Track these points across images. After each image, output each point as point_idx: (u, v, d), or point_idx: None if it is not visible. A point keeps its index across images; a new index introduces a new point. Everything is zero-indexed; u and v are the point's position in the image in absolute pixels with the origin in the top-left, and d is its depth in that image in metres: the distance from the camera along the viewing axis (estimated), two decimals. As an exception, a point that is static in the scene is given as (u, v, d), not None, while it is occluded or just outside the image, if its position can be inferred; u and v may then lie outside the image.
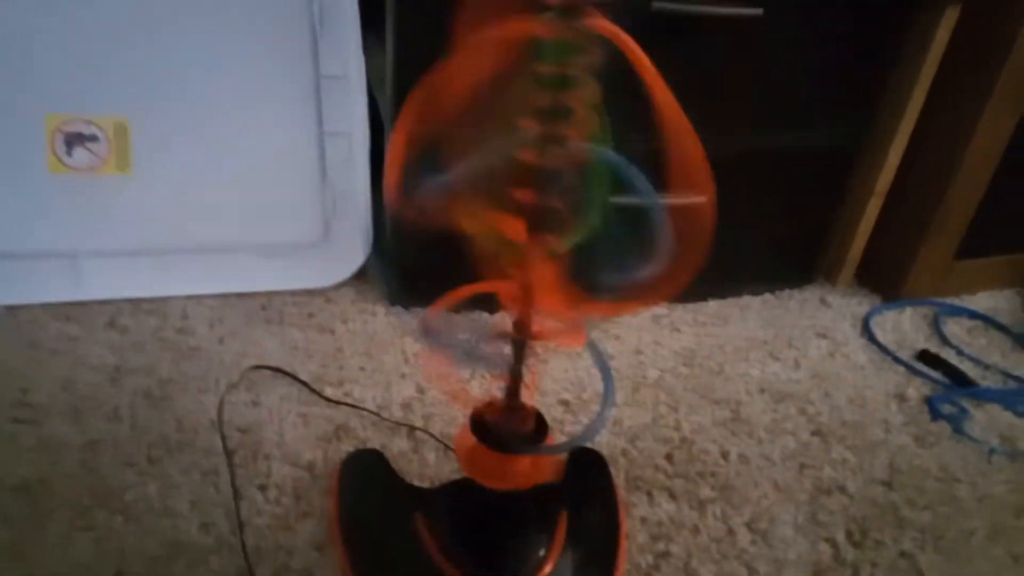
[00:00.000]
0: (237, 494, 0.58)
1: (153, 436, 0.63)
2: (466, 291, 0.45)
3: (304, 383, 0.71)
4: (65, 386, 0.68)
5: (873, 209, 0.99)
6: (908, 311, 0.98)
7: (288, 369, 0.73)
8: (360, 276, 0.90)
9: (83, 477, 0.59)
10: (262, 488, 0.59)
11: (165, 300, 0.83)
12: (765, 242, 0.96)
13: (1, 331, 0.75)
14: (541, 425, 0.48)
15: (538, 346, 0.45)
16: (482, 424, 0.47)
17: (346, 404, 0.70)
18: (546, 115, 0.36)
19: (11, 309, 0.78)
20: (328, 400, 0.70)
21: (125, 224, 0.83)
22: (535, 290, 0.41)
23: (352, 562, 0.52)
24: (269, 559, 0.54)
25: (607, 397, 0.44)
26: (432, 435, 0.67)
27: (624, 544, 0.58)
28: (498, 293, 0.42)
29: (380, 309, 0.86)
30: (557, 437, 0.49)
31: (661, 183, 0.36)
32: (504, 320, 0.45)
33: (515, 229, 0.40)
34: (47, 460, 0.60)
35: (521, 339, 0.44)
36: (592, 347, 0.46)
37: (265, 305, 0.85)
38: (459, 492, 0.53)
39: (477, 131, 0.37)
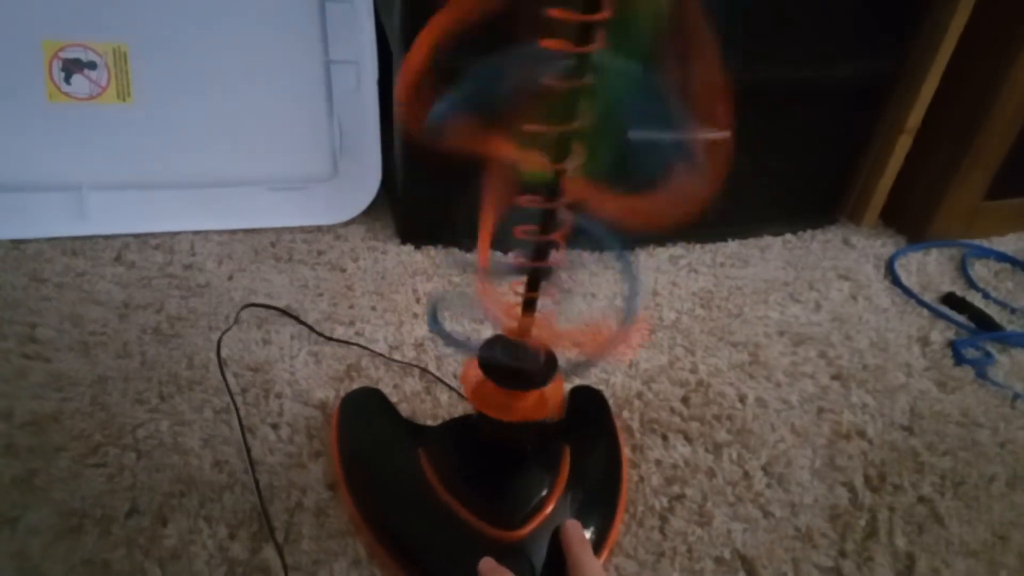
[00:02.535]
0: (245, 432, 0.58)
1: (163, 373, 0.63)
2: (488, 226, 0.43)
3: (308, 325, 0.70)
4: (74, 321, 0.67)
5: (902, 147, 0.95)
6: (934, 253, 0.95)
7: (297, 307, 0.72)
8: (370, 213, 0.87)
9: (94, 413, 0.58)
10: (274, 427, 0.59)
11: (172, 235, 0.81)
12: (788, 180, 0.92)
13: (7, 266, 0.74)
14: (551, 360, 0.47)
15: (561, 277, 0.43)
16: (491, 355, 0.46)
17: (357, 344, 0.68)
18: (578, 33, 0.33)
19: (17, 243, 0.77)
20: (339, 341, 0.69)
21: (128, 156, 0.81)
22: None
23: (356, 500, 0.52)
24: (282, 497, 0.53)
25: (632, 304, 0.41)
26: (441, 379, 0.66)
27: (626, 482, 0.57)
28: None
29: (391, 247, 0.84)
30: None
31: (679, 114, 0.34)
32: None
33: (535, 157, 0.37)
34: (57, 396, 0.59)
35: (539, 264, 0.42)
36: (622, 256, 0.44)
37: (274, 242, 0.83)
38: (463, 429, 0.53)
39: (497, 52, 0.34)
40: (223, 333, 0.67)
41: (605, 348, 0.43)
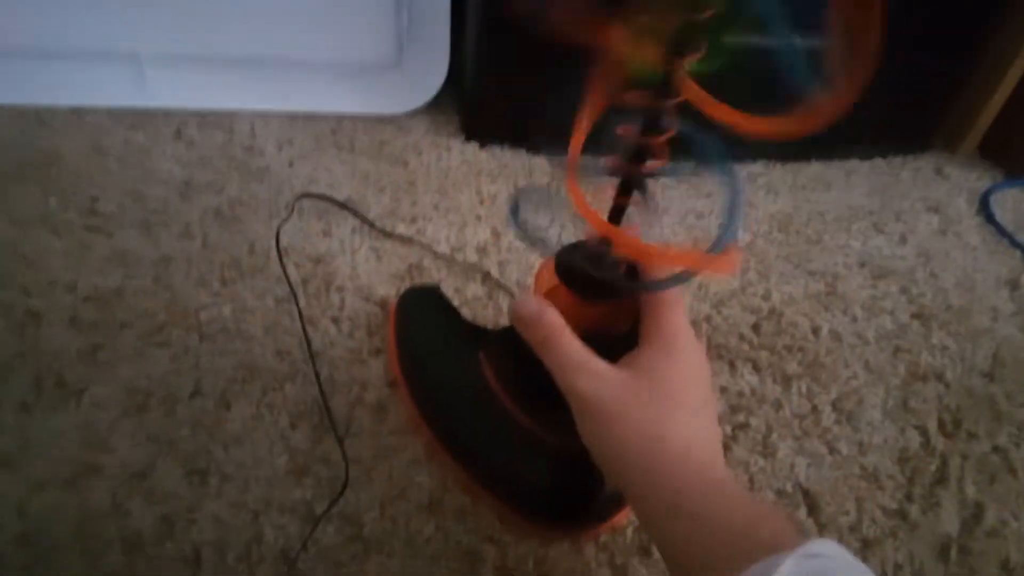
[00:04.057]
0: (305, 325, 0.57)
1: (225, 257, 0.62)
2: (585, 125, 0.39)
3: (369, 221, 0.68)
4: (135, 197, 0.66)
5: (1016, 72, 0.86)
6: (1033, 190, 0.88)
7: (359, 200, 0.70)
8: (435, 106, 0.83)
9: (157, 292, 0.58)
10: (335, 320, 0.58)
11: (231, 114, 0.79)
12: (882, 99, 0.84)
13: (68, 134, 0.72)
14: (631, 273, 0.43)
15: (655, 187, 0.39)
16: (571, 260, 0.42)
17: (419, 243, 0.66)
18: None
19: (76, 112, 0.75)
20: (400, 238, 0.67)
21: (187, 27, 0.77)
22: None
23: (416, 400, 0.51)
24: (343, 392, 0.53)
25: (733, 222, 0.37)
26: (503, 285, 0.64)
27: None
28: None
29: (455, 144, 0.80)
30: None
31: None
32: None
33: (649, 50, 0.33)
34: (120, 272, 0.59)
35: (632, 169, 0.38)
36: (727, 171, 0.40)
37: (335, 129, 0.80)
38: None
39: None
40: (282, 222, 0.65)
41: (698, 266, 0.40)
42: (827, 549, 0.31)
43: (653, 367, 0.38)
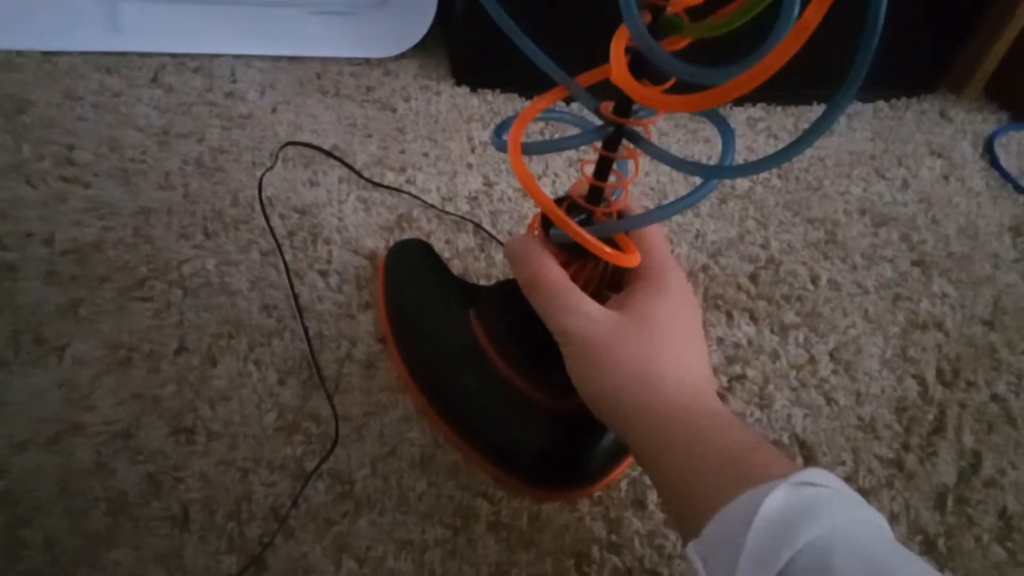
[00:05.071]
0: (292, 279, 0.55)
1: (207, 209, 0.59)
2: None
3: (356, 171, 0.65)
4: (112, 146, 0.64)
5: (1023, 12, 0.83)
6: (1039, 134, 0.86)
7: (345, 148, 0.67)
8: (423, 48, 0.80)
9: (138, 245, 0.56)
10: (323, 274, 0.56)
11: (211, 58, 0.75)
12: (888, 36, 0.81)
13: (41, 80, 0.69)
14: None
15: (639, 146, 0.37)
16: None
17: (408, 193, 0.64)
18: None
19: (48, 56, 0.72)
20: (389, 188, 0.64)
21: (163, -36, 0.73)
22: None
23: (405, 359, 0.50)
24: (332, 347, 0.52)
25: (727, 153, 0.36)
26: (495, 237, 0.62)
27: None
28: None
29: (445, 88, 0.77)
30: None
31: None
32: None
33: None
34: (98, 224, 0.57)
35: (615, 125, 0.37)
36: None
37: (320, 73, 0.76)
38: (518, 291, 0.49)
39: None
40: (265, 171, 0.63)
41: (613, 260, 0.39)
42: (819, 477, 0.31)
43: (642, 305, 0.39)
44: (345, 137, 0.69)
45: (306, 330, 0.52)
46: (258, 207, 0.59)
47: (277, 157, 0.65)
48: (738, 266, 0.63)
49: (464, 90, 0.77)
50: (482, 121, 0.74)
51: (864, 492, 0.49)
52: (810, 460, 0.51)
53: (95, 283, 0.53)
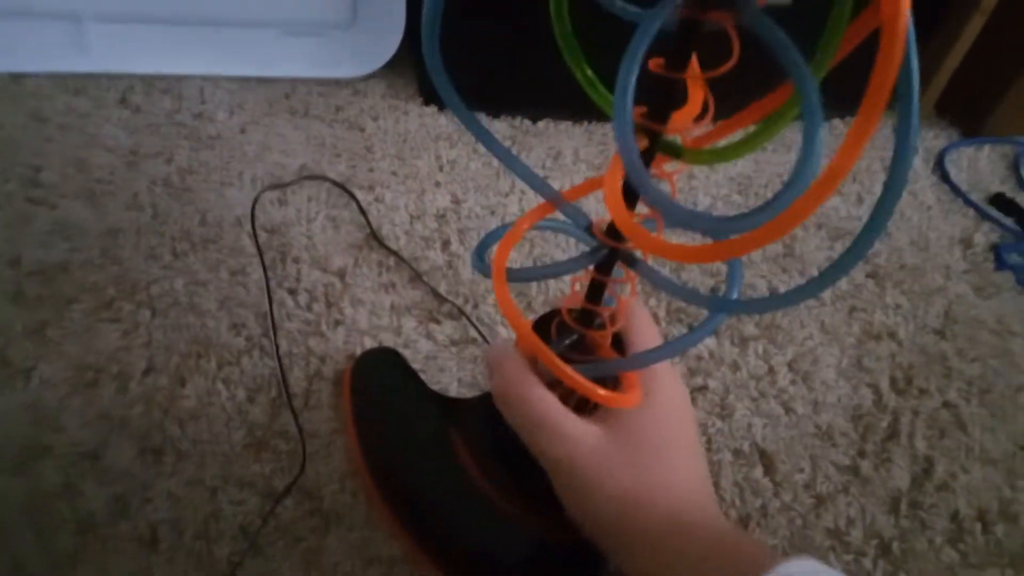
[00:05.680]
0: (272, 296, 0.56)
1: (176, 229, 0.60)
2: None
3: (340, 185, 0.66)
4: (79, 167, 0.64)
5: (973, 29, 0.86)
6: (987, 149, 0.89)
7: (314, 167, 0.68)
8: (392, 68, 0.81)
9: (105, 266, 0.56)
10: (291, 292, 0.57)
11: (180, 79, 0.76)
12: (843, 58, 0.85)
13: (5, 100, 0.69)
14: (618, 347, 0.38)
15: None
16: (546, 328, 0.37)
17: (376, 211, 0.65)
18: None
19: (15, 77, 0.72)
20: (359, 207, 0.65)
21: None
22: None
23: (387, 497, 0.44)
24: (301, 364, 0.52)
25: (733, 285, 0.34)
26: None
27: None
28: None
29: (413, 107, 0.79)
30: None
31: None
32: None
33: None
34: (65, 245, 0.57)
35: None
36: None
37: (289, 94, 0.77)
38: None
39: None
40: (259, 194, 0.63)
41: (601, 400, 0.34)
42: (804, 567, 0.30)
43: (629, 417, 0.36)
44: (314, 156, 0.70)
45: (277, 347, 0.52)
46: (226, 226, 0.60)
47: (245, 176, 0.65)
48: (699, 279, 0.65)
49: (432, 109, 0.79)
50: (450, 140, 0.75)
51: (821, 498, 0.51)
52: (770, 469, 0.52)
53: (62, 304, 0.53)
